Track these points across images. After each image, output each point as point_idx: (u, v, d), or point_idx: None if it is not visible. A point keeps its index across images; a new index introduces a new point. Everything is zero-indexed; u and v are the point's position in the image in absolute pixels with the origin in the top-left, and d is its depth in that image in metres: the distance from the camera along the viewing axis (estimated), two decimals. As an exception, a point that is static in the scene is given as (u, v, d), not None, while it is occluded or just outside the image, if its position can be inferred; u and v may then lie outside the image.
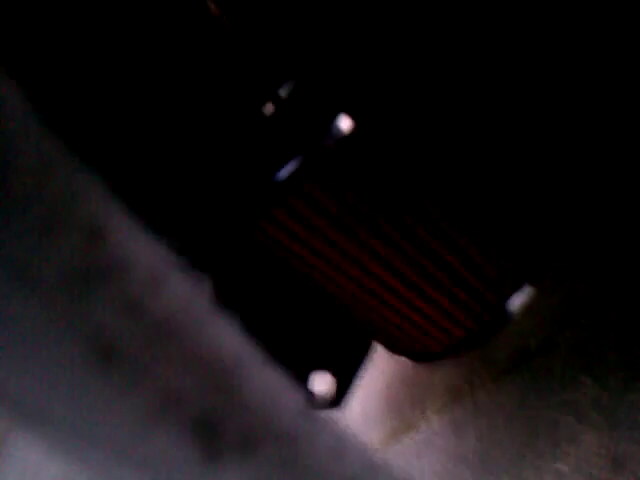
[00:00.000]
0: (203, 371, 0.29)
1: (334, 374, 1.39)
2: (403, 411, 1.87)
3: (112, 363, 0.25)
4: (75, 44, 0.70)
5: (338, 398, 1.44)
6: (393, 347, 1.22)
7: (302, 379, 1.40)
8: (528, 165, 1.03)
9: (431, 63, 0.97)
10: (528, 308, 1.53)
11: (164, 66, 0.78)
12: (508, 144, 1.00)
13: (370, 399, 1.97)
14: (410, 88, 0.99)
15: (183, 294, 0.29)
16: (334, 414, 1.91)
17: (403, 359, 1.36)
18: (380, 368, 1.88)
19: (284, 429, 0.32)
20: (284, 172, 0.97)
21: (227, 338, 0.30)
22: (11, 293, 0.24)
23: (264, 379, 0.32)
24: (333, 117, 0.96)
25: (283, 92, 0.95)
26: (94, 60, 0.73)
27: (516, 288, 1.12)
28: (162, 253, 0.29)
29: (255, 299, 1.17)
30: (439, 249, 1.02)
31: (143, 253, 0.27)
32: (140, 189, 0.87)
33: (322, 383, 1.44)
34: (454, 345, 1.13)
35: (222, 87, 0.88)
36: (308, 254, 1.05)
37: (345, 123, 0.96)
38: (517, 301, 1.14)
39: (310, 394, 1.40)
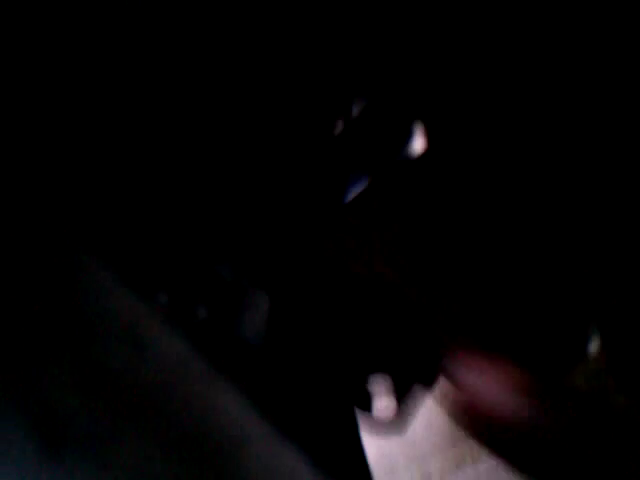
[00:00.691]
0: (191, 453, 0.25)
1: (398, 398, 1.35)
2: (468, 440, 1.81)
3: (65, 450, 0.22)
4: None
5: (401, 422, 1.39)
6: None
7: (366, 403, 1.37)
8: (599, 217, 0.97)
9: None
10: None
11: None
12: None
13: (434, 424, 1.92)
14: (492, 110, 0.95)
15: (171, 358, 0.25)
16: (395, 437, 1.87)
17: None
18: (445, 393, 1.83)
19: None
20: (351, 192, 0.94)
21: (224, 410, 0.26)
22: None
23: (270, 458, 0.27)
24: (406, 137, 0.92)
25: (354, 110, 0.92)
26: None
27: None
28: (141, 304, 0.25)
29: (315, 317, 1.14)
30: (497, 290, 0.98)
31: (121, 306, 0.23)
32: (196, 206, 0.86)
33: (384, 405, 1.40)
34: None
35: (292, 104, 0.86)
36: (370, 277, 1.01)
37: (419, 143, 0.92)
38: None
39: (373, 418, 1.37)
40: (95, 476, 0.22)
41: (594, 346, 1.10)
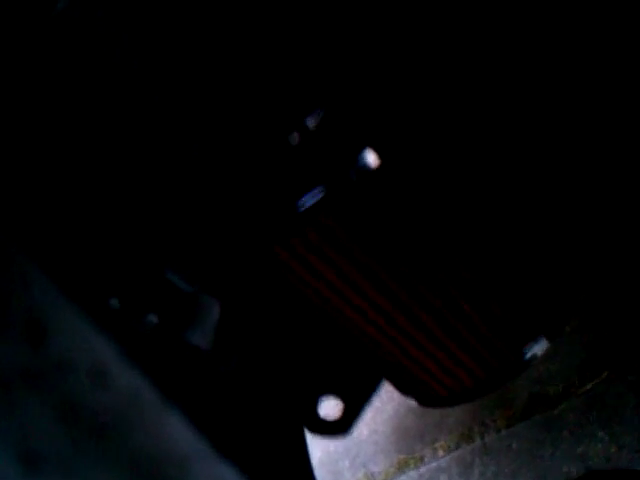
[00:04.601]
0: (145, 471, 0.27)
1: (343, 400, 1.37)
2: (411, 442, 1.85)
3: (38, 470, 0.24)
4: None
5: (347, 424, 1.41)
6: (402, 387, 1.19)
7: (311, 404, 1.38)
8: (551, 217, 1.00)
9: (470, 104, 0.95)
10: (550, 356, 1.49)
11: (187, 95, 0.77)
12: (534, 195, 0.98)
13: (380, 425, 1.95)
14: (443, 128, 0.97)
15: (128, 386, 0.27)
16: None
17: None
18: (391, 394, 1.86)
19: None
20: (305, 202, 0.95)
21: (175, 432, 0.28)
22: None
23: (214, 475, 0.30)
24: (360, 150, 0.94)
25: (311, 122, 0.93)
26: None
27: (534, 340, 1.09)
28: (108, 344, 0.27)
29: (268, 323, 1.15)
30: (457, 295, 1.00)
31: (86, 347, 0.25)
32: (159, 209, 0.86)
33: (330, 408, 1.42)
34: (462, 393, 1.10)
35: (249, 115, 0.87)
36: (322, 287, 1.03)
37: (372, 158, 0.94)
38: (534, 351, 1.10)
39: (319, 419, 1.38)
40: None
41: (537, 354, 1.14)
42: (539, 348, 1.11)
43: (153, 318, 0.75)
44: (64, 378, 0.24)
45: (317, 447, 2.01)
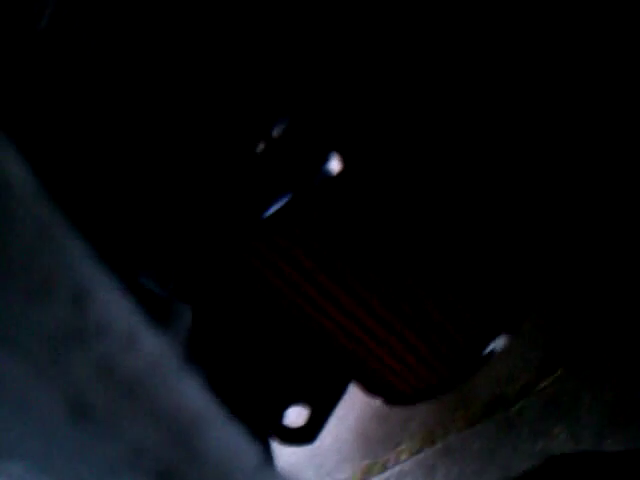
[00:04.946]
0: (166, 427, 0.30)
1: (308, 407, 1.39)
2: (375, 448, 1.87)
3: (85, 418, 0.27)
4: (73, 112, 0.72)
5: (312, 432, 1.43)
6: (368, 388, 1.22)
7: (277, 413, 1.40)
8: (510, 218, 1.04)
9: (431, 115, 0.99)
10: (508, 355, 1.54)
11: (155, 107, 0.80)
12: (491, 199, 1.02)
13: (343, 433, 1.97)
14: (406, 137, 1.01)
15: (153, 351, 0.30)
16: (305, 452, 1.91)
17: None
18: (354, 401, 1.88)
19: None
20: (271, 208, 0.98)
21: (190, 394, 0.31)
22: (-2, 356, 0.25)
23: (223, 435, 0.33)
24: (324, 158, 0.97)
25: (276, 131, 0.96)
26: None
27: (494, 336, 1.13)
28: (137, 312, 0.30)
29: (234, 329, 1.17)
30: (419, 295, 1.03)
31: (120, 313, 0.28)
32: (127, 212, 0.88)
33: (297, 417, 1.44)
34: (427, 390, 1.14)
35: (215, 123, 0.90)
36: (289, 290, 1.06)
37: (335, 164, 0.98)
38: (494, 349, 1.14)
39: (284, 428, 1.40)
40: (103, 445, 0.27)
41: (496, 350, 1.18)
42: (498, 345, 1.15)
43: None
44: (102, 339, 0.27)
45: (281, 455, 2.03)
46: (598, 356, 1.46)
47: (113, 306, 0.28)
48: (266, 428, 1.33)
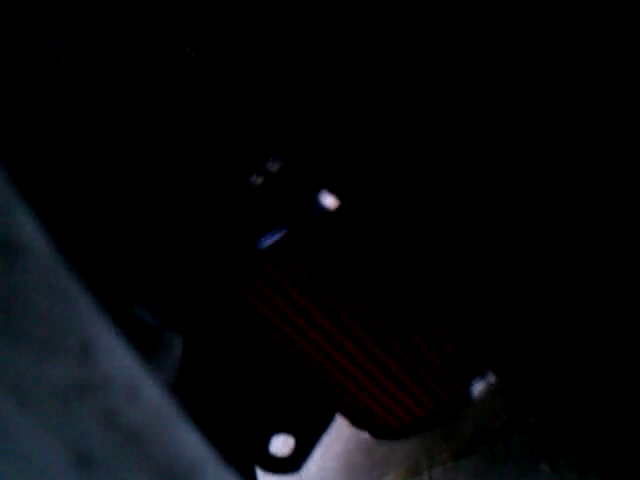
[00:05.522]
0: (166, 474, 0.31)
1: (294, 436, 1.39)
2: (360, 479, 1.87)
3: (89, 468, 0.28)
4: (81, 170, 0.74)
5: (297, 462, 1.44)
6: (355, 421, 1.23)
7: (263, 440, 1.40)
8: (499, 262, 1.06)
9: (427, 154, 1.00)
10: (495, 390, 1.54)
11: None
12: (482, 248, 1.04)
13: (328, 463, 1.97)
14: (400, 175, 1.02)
15: (155, 401, 0.31)
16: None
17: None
18: (340, 431, 1.89)
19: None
20: (265, 240, 0.99)
21: (189, 441, 0.32)
22: (7, 408, 0.26)
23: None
24: (318, 192, 0.98)
25: (272, 166, 0.98)
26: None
27: (481, 374, 1.14)
28: (140, 364, 0.31)
29: (225, 357, 1.18)
30: (410, 332, 1.04)
31: (123, 365, 0.29)
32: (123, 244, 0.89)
33: (283, 446, 1.44)
34: (414, 425, 1.14)
35: (213, 156, 0.91)
36: (281, 322, 1.07)
37: (330, 200, 0.99)
38: (481, 385, 1.15)
39: (269, 457, 1.40)
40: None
41: (483, 388, 1.19)
42: (486, 382, 1.16)
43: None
44: (106, 391, 0.28)
45: (268, 484, 2.02)
46: (583, 394, 1.47)
47: (117, 358, 0.29)
48: (252, 457, 1.34)
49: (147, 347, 0.87)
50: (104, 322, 0.29)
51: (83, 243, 0.76)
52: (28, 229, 0.25)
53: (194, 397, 1.06)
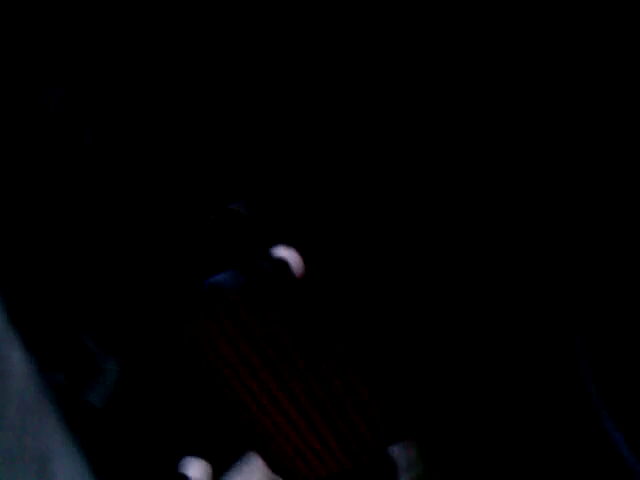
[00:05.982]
0: None
1: (210, 462, 1.41)
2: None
3: None
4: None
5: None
6: (272, 465, 1.25)
7: (175, 464, 1.42)
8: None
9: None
10: (404, 449, 1.57)
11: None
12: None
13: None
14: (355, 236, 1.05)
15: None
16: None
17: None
18: (258, 475, 1.89)
19: None
20: (214, 281, 1.01)
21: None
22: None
23: None
24: (275, 243, 1.00)
25: (239, 207, 0.99)
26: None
27: (399, 437, 1.17)
28: (91, 476, 0.33)
29: (161, 385, 1.19)
30: (340, 389, 1.07)
31: (77, 477, 0.31)
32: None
33: (196, 469, 1.46)
34: (328, 478, 1.17)
35: (173, 197, 0.93)
36: (220, 362, 1.08)
37: (283, 253, 1.01)
38: (398, 448, 1.19)
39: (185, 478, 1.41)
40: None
41: (399, 450, 1.22)
42: (402, 445, 1.20)
43: (60, 377, 0.79)
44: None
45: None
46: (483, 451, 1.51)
47: (72, 470, 0.31)
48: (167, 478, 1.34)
49: (85, 371, 0.88)
50: (66, 438, 0.31)
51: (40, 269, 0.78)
52: (15, 356, 0.27)
53: (122, 420, 1.07)
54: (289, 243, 1.02)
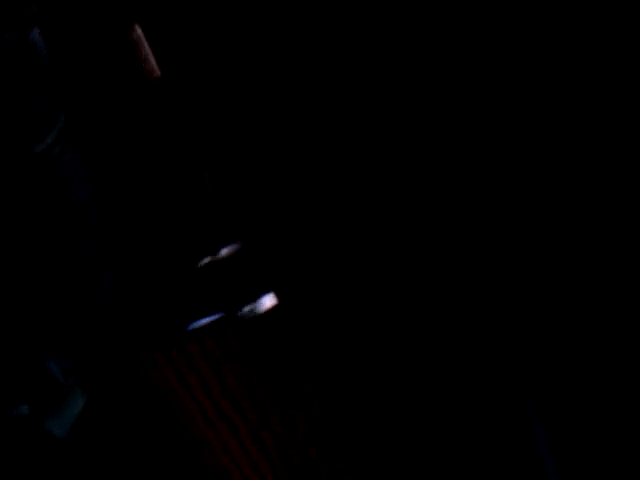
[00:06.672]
0: None
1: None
2: None
3: None
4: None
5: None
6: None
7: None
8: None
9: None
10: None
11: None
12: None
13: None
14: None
15: None
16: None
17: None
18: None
19: None
20: (195, 323, 0.99)
21: None
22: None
23: None
24: (262, 292, 0.99)
25: (224, 252, 0.98)
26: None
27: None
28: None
29: (125, 419, 1.17)
30: (307, 446, 1.05)
31: None
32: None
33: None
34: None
35: (166, 230, 0.91)
36: (189, 401, 1.06)
37: (270, 302, 1.00)
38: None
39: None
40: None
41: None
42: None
43: (25, 409, 0.76)
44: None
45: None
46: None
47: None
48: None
49: (49, 401, 0.86)
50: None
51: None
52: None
53: (85, 451, 1.04)
54: (276, 291, 1.01)
